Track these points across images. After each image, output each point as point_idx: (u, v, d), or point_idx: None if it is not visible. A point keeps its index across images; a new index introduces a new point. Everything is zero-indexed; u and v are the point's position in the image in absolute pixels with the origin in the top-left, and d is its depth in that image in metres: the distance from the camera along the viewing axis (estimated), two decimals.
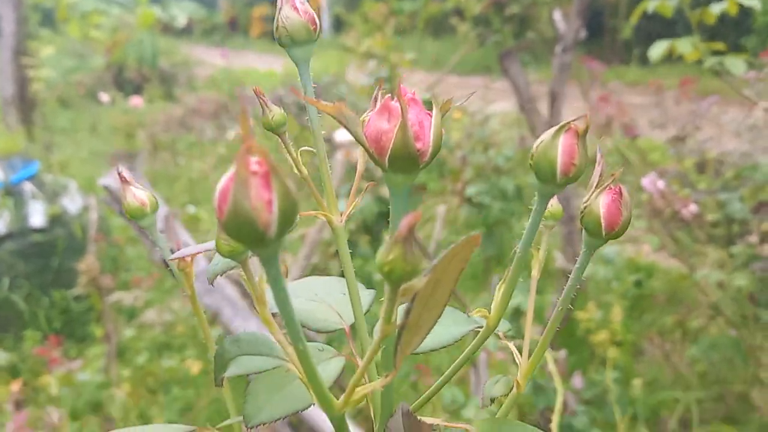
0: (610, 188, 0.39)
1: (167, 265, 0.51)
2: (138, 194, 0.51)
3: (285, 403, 0.40)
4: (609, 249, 2.26)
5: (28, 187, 3.59)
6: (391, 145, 0.34)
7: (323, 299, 0.50)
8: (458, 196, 2.61)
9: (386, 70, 2.45)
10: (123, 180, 0.50)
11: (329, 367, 0.42)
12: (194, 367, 2.12)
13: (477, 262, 3.06)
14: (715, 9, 1.50)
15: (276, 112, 0.45)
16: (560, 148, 0.37)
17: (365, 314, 0.46)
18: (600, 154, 0.40)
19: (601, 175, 0.40)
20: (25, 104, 4.87)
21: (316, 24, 0.44)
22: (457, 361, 0.43)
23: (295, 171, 0.45)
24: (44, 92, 6.09)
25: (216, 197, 0.27)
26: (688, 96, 2.29)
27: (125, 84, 10.77)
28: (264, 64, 13.59)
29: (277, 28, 0.43)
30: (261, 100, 0.45)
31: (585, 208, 0.40)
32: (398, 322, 0.31)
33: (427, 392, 0.45)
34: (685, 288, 3.15)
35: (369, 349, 0.34)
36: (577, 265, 0.42)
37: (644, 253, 3.47)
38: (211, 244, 0.44)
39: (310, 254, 1.97)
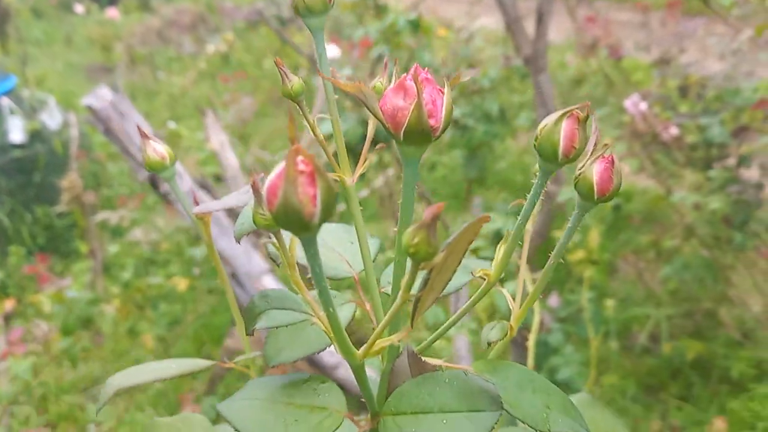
0: (604, 157, 0.42)
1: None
2: (158, 148, 0.54)
3: (304, 345, 0.44)
4: None
5: (5, 102, 3.52)
6: (406, 122, 0.37)
7: (333, 248, 0.52)
8: None
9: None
10: (143, 135, 0.52)
11: (342, 313, 0.46)
12: (181, 283, 2.16)
13: (459, 182, 3.09)
14: None
15: (295, 82, 0.46)
16: (562, 133, 0.40)
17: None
18: (595, 125, 0.42)
19: (595, 145, 0.42)
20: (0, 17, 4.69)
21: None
22: (460, 310, 0.47)
23: (311, 133, 0.46)
24: (17, 2, 5.85)
25: (266, 191, 0.31)
26: (675, 17, 2.27)
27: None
28: None
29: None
30: (281, 71, 0.46)
31: (579, 174, 0.43)
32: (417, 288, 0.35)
33: (430, 337, 0.48)
34: (662, 209, 3.22)
35: (389, 312, 0.38)
36: (569, 225, 0.45)
37: (623, 174, 3.51)
38: (232, 201, 0.47)
39: None
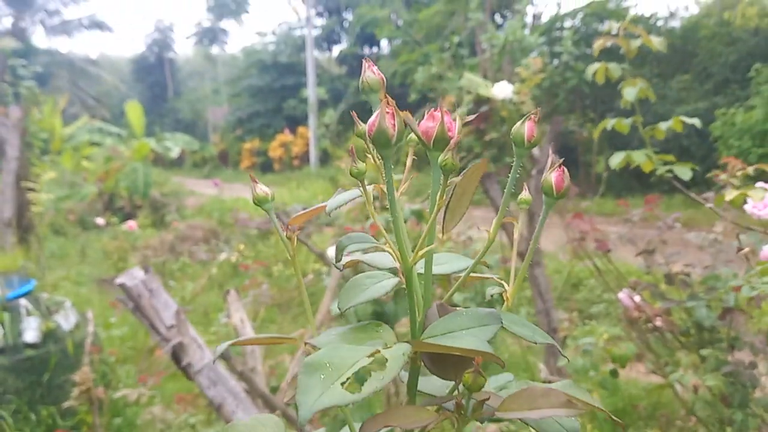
0: (558, 168, 0.63)
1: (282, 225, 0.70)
2: (263, 188, 0.71)
3: (366, 293, 0.61)
4: (585, 340, 2.38)
5: (23, 303, 3.67)
6: (434, 134, 0.58)
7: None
8: None
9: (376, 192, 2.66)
10: (253, 180, 0.70)
11: (389, 282, 0.64)
12: None
13: None
14: (663, 126, 1.75)
15: (360, 166, 0.62)
16: (526, 127, 0.61)
17: None
18: (551, 150, 0.61)
19: (552, 162, 0.63)
20: (23, 227, 5.03)
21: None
22: (473, 262, 0.67)
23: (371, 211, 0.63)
24: (37, 218, 6.27)
25: (367, 126, 0.56)
26: (654, 213, 2.51)
27: (116, 212, 11.05)
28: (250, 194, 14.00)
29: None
30: (351, 155, 0.62)
31: (544, 180, 0.64)
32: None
33: (449, 291, 0.67)
34: (666, 401, 3.24)
35: (431, 218, 0.59)
36: (540, 216, 0.65)
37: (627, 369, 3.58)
38: (338, 199, 0.63)
39: None
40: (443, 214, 0.59)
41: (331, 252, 3.12)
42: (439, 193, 0.58)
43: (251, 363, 1.83)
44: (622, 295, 2.73)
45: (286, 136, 24.82)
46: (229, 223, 8.45)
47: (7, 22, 25.78)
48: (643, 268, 2.71)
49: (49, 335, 3.63)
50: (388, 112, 0.54)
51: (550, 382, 2.09)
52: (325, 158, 22.46)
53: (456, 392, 0.55)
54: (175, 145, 13.24)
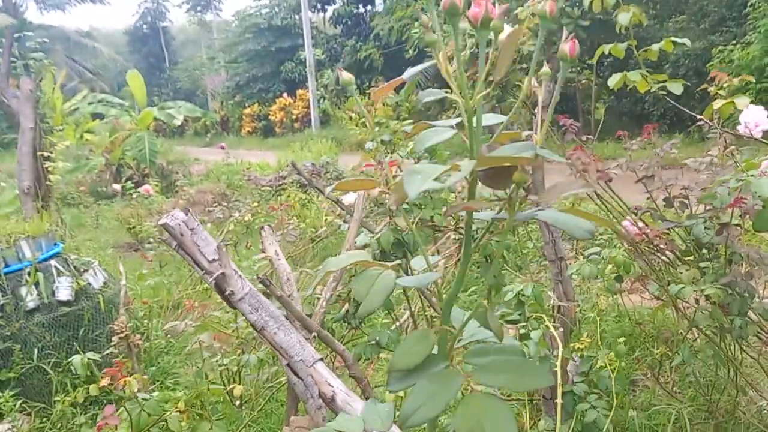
0: (572, 40, 0.75)
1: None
2: (345, 75, 0.85)
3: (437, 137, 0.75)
4: (591, 250, 2.54)
5: (54, 264, 3.85)
6: (481, 16, 0.70)
7: None
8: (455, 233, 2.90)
9: (389, 135, 2.80)
10: (339, 69, 0.84)
11: (449, 132, 0.79)
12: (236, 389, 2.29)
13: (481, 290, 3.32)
14: (655, 47, 1.87)
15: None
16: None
17: None
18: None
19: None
20: (42, 195, 5.19)
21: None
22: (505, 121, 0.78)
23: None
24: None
25: (443, 2, 0.68)
26: (652, 140, 2.64)
27: (126, 181, 11.19)
28: (256, 158, 14.16)
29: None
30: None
31: (559, 50, 0.76)
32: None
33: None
34: (670, 321, 3.42)
35: (482, 75, 0.71)
36: (558, 79, 0.77)
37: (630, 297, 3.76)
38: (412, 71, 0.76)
39: None
40: (493, 67, 0.73)
41: (348, 198, 3.27)
42: (486, 53, 0.71)
43: (288, 290, 1.99)
44: (626, 222, 2.88)
45: (285, 99, 24.79)
46: (239, 185, 8.59)
47: None
48: (643, 200, 2.86)
49: (81, 293, 3.82)
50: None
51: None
52: (325, 119, 22.49)
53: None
54: (177, 113, 13.31)
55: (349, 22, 25.08)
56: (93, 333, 3.74)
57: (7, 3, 25.87)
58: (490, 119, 0.79)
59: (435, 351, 0.61)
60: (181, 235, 1.85)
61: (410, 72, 0.79)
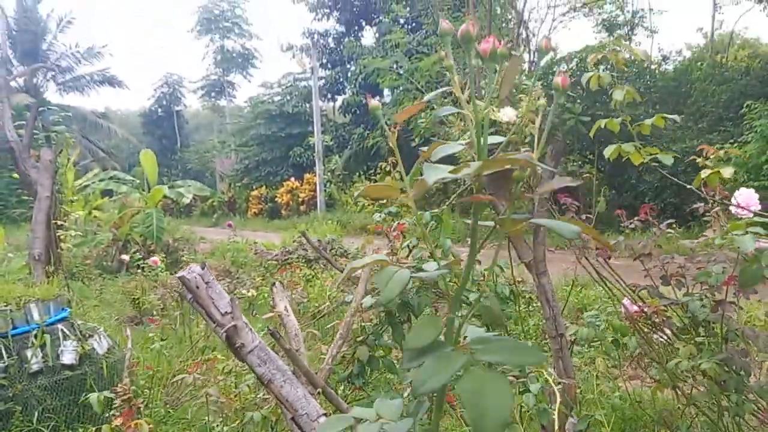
0: (563, 72, 0.86)
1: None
2: (374, 101, 0.97)
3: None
4: (590, 313, 2.59)
5: (60, 328, 3.90)
6: (489, 50, 0.81)
7: None
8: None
9: (394, 208, 2.92)
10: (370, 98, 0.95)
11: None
12: None
13: None
14: (648, 122, 2.02)
15: None
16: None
17: None
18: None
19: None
20: (54, 261, 5.29)
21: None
22: (504, 141, 0.83)
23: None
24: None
25: (460, 31, 0.80)
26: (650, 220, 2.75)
27: (126, 263, 11.30)
28: (261, 239, 14.33)
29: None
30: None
31: (554, 81, 0.88)
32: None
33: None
34: (669, 404, 3.42)
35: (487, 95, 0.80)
36: (554, 104, 0.86)
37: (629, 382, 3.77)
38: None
39: None
40: (500, 86, 0.83)
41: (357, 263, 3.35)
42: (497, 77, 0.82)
43: (295, 345, 2.05)
44: (626, 301, 2.96)
45: (292, 182, 25.27)
46: (243, 263, 8.67)
47: (21, 80, 26.56)
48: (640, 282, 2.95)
49: (85, 358, 3.85)
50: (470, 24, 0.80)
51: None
52: (331, 203, 22.84)
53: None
54: (187, 191, 13.59)
55: (358, 111, 25.88)
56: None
57: (29, 84, 26.87)
58: (492, 139, 0.89)
59: (442, 339, 0.69)
60: (197, 287, 1.93)
61: (429, 96, 0.90)
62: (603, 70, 2.42)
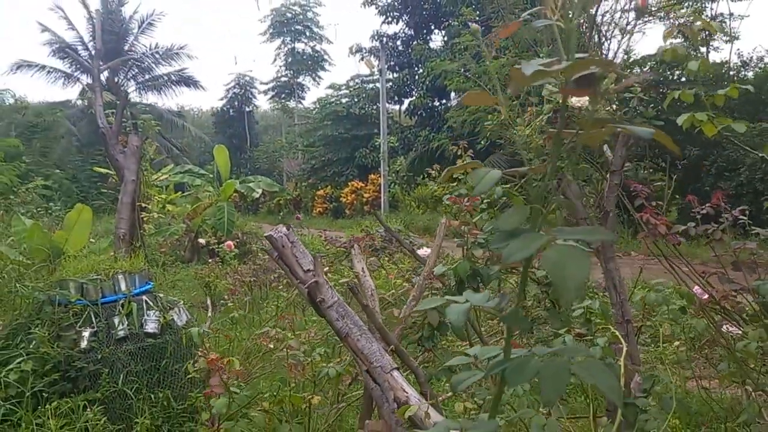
0: None
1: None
2: (474, 25, 1.05)
3: None
4: (657, 280, 2.62)
5: (145, 299, 4.16)
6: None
7: None
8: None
9: (464, 189, 3.02)
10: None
11: None
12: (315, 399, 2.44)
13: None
14: (721, 92, 2.05)
15: None
16: None
17: None
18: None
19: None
20: (137, 240, 5.60)
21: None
22: None
23: None
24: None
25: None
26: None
27: (202, 247, 11.76)
28: (327, 235, 14.63)
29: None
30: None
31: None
32: None
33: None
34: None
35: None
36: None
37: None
38: None
39: None
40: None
41: (423, 252, 3.47)
42: None
43: (371, 304, 2.17)
44: (697, 288, 2.97)
45: (357, 183, 25.61)
46: (314, 255, 8.89)
47: (104, 79, 27.85)
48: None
49: (166, 328, 4.09)
50: None
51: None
52: (394, 204, 23.04)
53: None
54: (257, 186, 14.02)
55: (424, 114, 26.01)
56: (173, 366, 3.97)
57: (110, 82, 28.15)
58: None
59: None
60: (283, 246, 2.09)
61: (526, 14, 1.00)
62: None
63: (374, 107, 27.19)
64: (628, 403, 1.82)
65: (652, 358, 4.37)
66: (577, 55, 0.88)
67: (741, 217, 2.72)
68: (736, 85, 2.01)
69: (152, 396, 3.83)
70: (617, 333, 2.15)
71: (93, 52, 23.52)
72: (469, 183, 3.63)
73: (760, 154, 2.20)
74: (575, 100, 3.01)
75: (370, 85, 29.06)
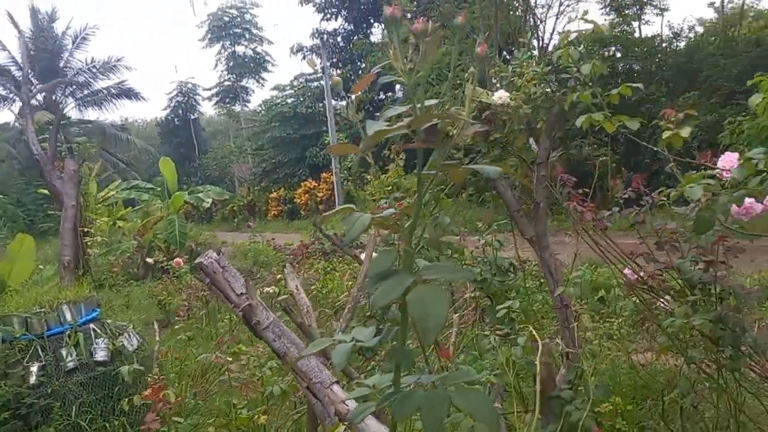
0: None
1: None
2: (335, 77, 1.09)
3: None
4: (575, 274, 2.72)
5: (92, 327, 4.11)
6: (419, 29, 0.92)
7: None
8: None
9: (399, 193, 3.07)
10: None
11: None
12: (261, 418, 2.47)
13: None
14: (614, 92, 2.15)
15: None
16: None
17: None
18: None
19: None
20: (82, 266, 5.52)
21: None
22: None
23: None
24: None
25: (384, 14, 1.06)
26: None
27: (152, 265, 11.59)
28: (281, 240, 14.57)
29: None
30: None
31: None
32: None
33: None
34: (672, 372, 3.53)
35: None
36: None
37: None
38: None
39: None
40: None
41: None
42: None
43: (307, 320, 2.20)
44: (627, 270, 3.09)
45: (310, 183, 25.53)
46: (264, 263, 8.88)
47: (41, 97, 27.07)
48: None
49: (116, 354, 4.05)
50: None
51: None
52: (349, 201, 23.06)
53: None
54: (206, 196, 13.87)
55: (371, 108, 26.05)
56: (127, 392, 3.94)
57: (48, 101, 27.38)
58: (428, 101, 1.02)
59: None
60: (214, 272, 2.10)
61: (376, 68, 1.04)
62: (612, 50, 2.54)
63: (321, 105, 27.10)
64: (553, 397, 1.90)
65: (600, 335, 4.52)
66: (427, 102, 0.92)
67: (662, 198, 2.83)
68: (628, 84, 2.11)
69: (107, 425, 3.80)
70: (559, 327, 2.22)
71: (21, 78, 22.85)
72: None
73: (655, 149, 2.30)
74: (497, 98, 3.08)
75: (315, 84, 28.95)
